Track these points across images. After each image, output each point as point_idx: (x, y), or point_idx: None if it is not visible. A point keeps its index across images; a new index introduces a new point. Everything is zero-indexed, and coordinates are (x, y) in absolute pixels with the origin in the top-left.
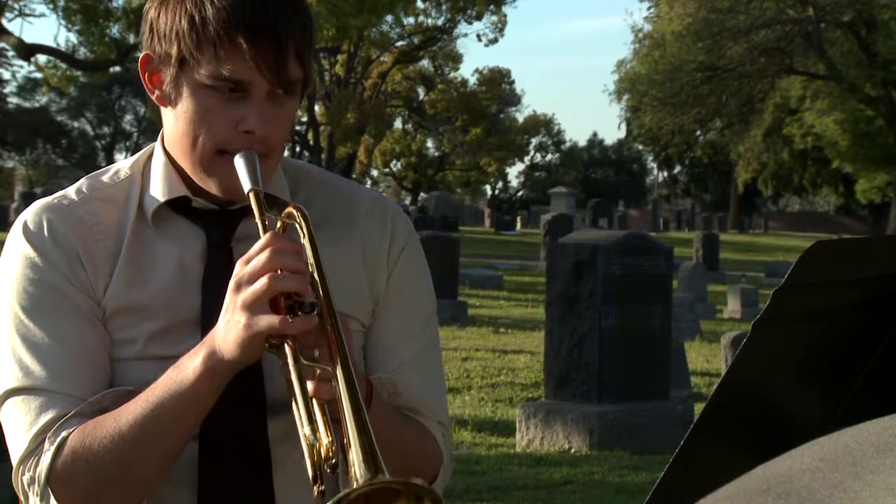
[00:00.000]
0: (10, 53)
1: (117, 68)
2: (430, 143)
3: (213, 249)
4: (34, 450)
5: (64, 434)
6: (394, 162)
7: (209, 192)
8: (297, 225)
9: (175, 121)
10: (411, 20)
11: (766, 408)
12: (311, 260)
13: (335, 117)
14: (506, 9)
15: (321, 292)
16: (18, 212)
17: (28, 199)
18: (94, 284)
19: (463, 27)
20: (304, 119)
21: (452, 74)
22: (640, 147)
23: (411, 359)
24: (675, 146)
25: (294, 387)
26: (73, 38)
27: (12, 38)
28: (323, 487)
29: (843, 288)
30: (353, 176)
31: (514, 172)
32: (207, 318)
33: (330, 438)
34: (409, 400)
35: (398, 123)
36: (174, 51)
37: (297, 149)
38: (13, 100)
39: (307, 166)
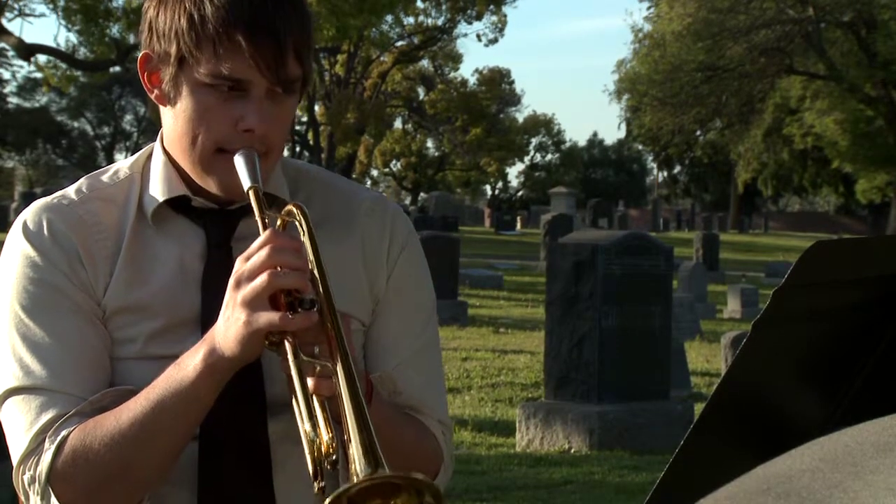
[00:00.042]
0: (10, 53)
1: (117, 68)
2: (430, 143)
3: (213, 248)
4: (35, 449)
5: (64, 433)
6: (394, 162)
7: (209, 192)
8: (296, 223)
9: (174, 120)
10: (411, 20)
11: (766, 408)
12: (311, 257)
13: (335, 117)
14: (506, 9)
15: (321, 289)
16: (18, 212)
17: (28, 199)
18: (94, 284)
19: (463, 27)
20: (304, 119)
21: (452, 74)
22: (640, 147)
23: (411, 358)
24: (675, 146)
25: (294, 383)
26: (73, 38)
27: (12, 38)
28: (323, 484)
29: (843, 288)
30: (353, 176)
31: (514, 172)
32: (207, 317)
33: (330, 435)
34: (409, 399)
35: (398, 123)
36: (173, 49)
37: (297, 149)
38: (13, 100)
39: (307, 166)
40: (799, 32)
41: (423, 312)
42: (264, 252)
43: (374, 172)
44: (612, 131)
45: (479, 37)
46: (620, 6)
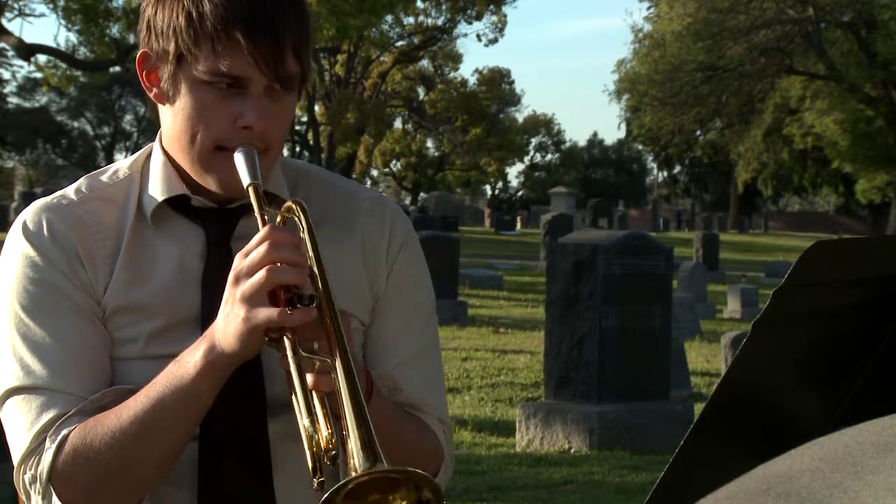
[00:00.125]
0: (10, 53)
1: (117, 68)
2: (430, 143)
3: (213, 248)
4: (35, 448)
5: (65, 432)
6: (394, 162)
7: (208, 191)
8: (296, 219)
9: (173, 118)
10: (411, 20)
11: (766, 408)
12: (310, 253)
13: (335, 117)
14: (506, 9)
15: (320, 285)
16: (18, 212)
17: (28, 199)
18: (94, 283)
19: (463, 27)
20: (304, 119)
21: (452, 74)
22: (640, 147)
23: (411, 357)
24: (675, 146)
25: (293, 379)
26: (73, 38)
27: (12, 38)
28: (322, 479)
29: (843, 288)
30: (353, 176)
31: (514, 172)
32: (207, 316)
33: (329, 430)
34: (409, 398)
35: (398, 123)
36: (171, 47)
37: (297, 149)
38: (13, 100)
39: (307, 166)
40: (799, 32)
41: (422, 312)
42: (263, 248)
43: (374, 172)
44: (612, 131)
45: (479, 37)
46: (620, 6)
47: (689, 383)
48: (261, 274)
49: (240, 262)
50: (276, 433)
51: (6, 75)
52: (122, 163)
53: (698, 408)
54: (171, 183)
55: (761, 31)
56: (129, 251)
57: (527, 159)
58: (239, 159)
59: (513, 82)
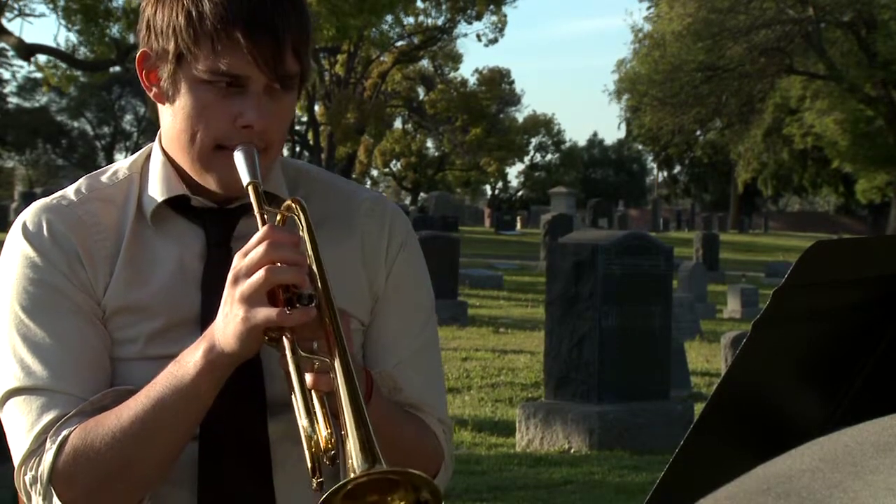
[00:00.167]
0: (10, 53)
1: (117, 68)
2: (430, 143)
3: (213, 248)
4: (36, 449)
5: (65, 433)
6: (394, 162)
7: (208, 191)
8: (295, 218)
9: (173, 117)
10: (411, 20)
11: (766, 408)
12: (309, 252)
13: (335, 117)
14: (506, 9)
15: (319, 284)
16: (18, 212)
17: (28, 199)
18: (94, 284)
19: (463, 27)
20: (304, 119)
21: (452, 74)
22: (640, 147)
23: (410, 357)
24: (675, 146)
25: (292, 379)
26: (73, 38)
27: (12, 38)
28: (321, 479)
29: (843, 288)
30: (353, 176)
31: (514, 172)
32: (207, 317)
33: (329, 431)
34: (409, 397)
35: (398, 123)
36: (171, 46)
37: (297, 149)
38: (13, 100)
39: (307, 166)
40: (799, 32)
41: (422, 312)
42: (262, 248)
43: (374, 172)
44: (612, 131)
45: (479, 37)
46: (620, 6)
47: (689, 383)
48: (259, 274)
49: (239, 262)
50: (275, 433)
51: (6, 75)
52: (122, 163)
53: (698, 408)
54: (170, 183)
55: (761, 31)
56: (129, 252)
57: (527, 159)
58: (239, 158)
59: (513, 82)
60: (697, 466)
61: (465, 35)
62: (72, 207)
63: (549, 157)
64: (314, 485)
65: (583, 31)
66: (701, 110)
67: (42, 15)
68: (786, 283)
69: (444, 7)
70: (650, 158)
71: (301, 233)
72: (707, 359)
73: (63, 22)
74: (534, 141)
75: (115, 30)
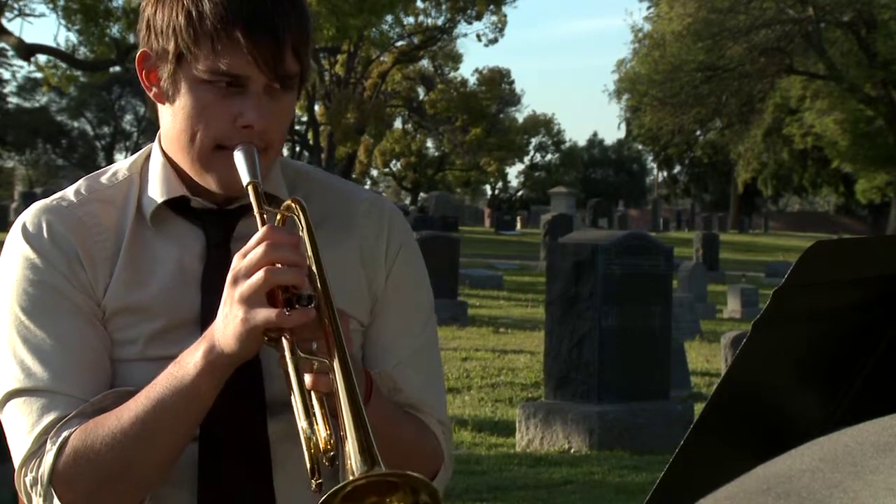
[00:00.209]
0: (10, 53)
1: (117, 68)
2: (430, 143)
3: (212, 249)
4: (36, 451)
5: (66, 434)
6: (394, 162)
7: (208, 192)
8: (295, 218)
9: (173, 117)
10: (411, 20)
11: (766, 408)
12: (309, 252)
13: (335, 117)
14: (506, 9)
15: (319, 285)
16: (18, 212)
17: (28, 199)
18: (94, 285)
19: (463, 27)
20: (304, 119)
21: (452, 74)
22: (640, 147)
23: (410, 358)
24: (675, 146)
25: (291, 380)
26: (73, 38)
27: (12, 38)
28: (320, 480)
29: (843, 288)
30: (353, 176)
31: (514, 172)
32: (207, 317)
33: (328, 432)
34: (408, 397)
35: (398, 123)
36: (171, 46)
37: (297, 149)
38: (13, 100)
39: (306, 167)
40: (799, 32)
41: (421, 312)
42: (261, 248)
43: (374, 172)
44: (612, 131)
45: (479, 37)
46: (620, 6)
47: (689, 383)
48: (259, 275)
49: (238, 263)
50: (275, 433)
51: (6, 75)
52: (122, 164)
53: (698, 408)
54: (170, 184)
55: (761, 31)
56: (129, 253)
57: (527, 159)
58: (238, 158)
59: (513, 82)
60: (697, 466)
61: (465, 35)
62: (72, 208)
63: (549, 157)
64: (313, 486)
65: (583, 31)
66: (701, 110)
67: (42, 15)
68: (786, 283)
69: (444, 7)
70: (650, 158)
71: (301, 233)
72: (707, 359)
73: (63, 22)
74: (534, 141)
75: (115, 30)
